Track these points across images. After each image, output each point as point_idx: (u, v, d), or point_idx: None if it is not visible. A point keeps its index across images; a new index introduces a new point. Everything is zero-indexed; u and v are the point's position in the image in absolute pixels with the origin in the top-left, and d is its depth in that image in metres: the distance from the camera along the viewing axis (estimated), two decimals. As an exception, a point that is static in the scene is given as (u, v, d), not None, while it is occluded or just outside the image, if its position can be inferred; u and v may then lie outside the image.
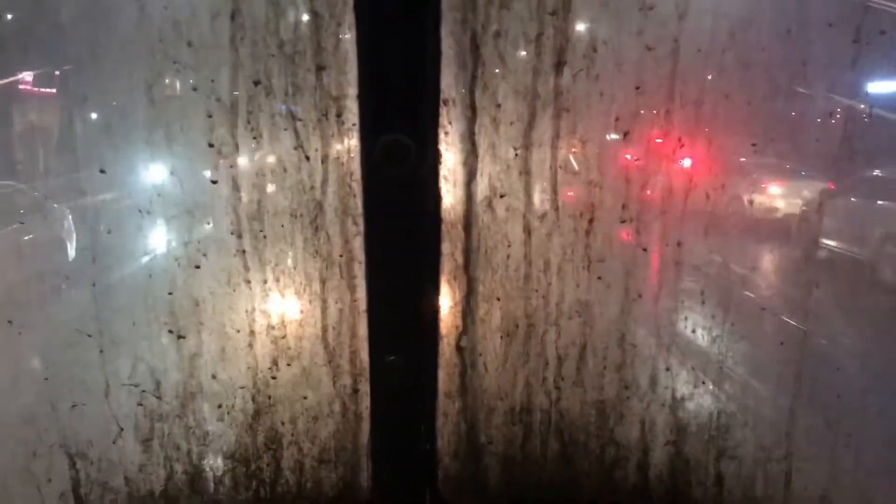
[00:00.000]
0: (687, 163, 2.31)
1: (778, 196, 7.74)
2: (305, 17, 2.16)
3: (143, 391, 2.48)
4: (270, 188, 2.31)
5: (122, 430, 2.53)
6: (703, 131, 2.29)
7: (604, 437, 2.59)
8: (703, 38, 2.20)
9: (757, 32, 2.20)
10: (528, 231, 2.37)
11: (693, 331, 2.54)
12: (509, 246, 2.39)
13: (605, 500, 2.64)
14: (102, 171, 2.25)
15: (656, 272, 2.42)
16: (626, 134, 2.25)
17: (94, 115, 2.19)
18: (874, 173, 8.01)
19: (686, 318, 2.50)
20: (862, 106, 2.43)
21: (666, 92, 2.22)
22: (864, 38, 2.21)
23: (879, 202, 7.99)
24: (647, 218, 2.36)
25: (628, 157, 2.27)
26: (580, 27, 2.18)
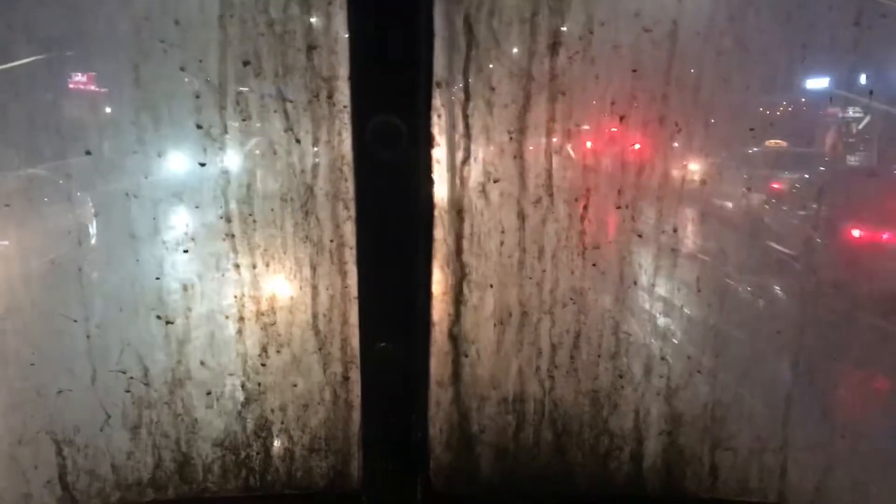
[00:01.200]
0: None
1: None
2: None
3: (131, 378, 2.45)
4: (260, 171, 2.27)
5: (109, 416, 2.49)
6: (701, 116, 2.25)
7: (598, 427, 2.55)
8: (702, 19, 2.16)
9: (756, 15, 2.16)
10: (522, 217, 2.32)
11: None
12: (503, 232, 2.35)
13: (599, 490, 2.61)
14: (88, 153, 2.21)
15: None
16: (622, 118, 2.21)
17: (78, 97, 2.14)
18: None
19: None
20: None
21: (663, 75, 2.18)
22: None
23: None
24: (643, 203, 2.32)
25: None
26: (576, 7, 2.14)
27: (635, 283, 2.40)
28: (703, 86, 2.20)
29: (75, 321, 2.39)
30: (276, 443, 2.58)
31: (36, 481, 2.53)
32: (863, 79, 2.34)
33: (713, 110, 2.26)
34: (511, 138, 2.26)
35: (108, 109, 2.17)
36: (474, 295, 2.41)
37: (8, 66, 2.11)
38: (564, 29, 2.15)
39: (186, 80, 2.16)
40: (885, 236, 6.12)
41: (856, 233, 5.06)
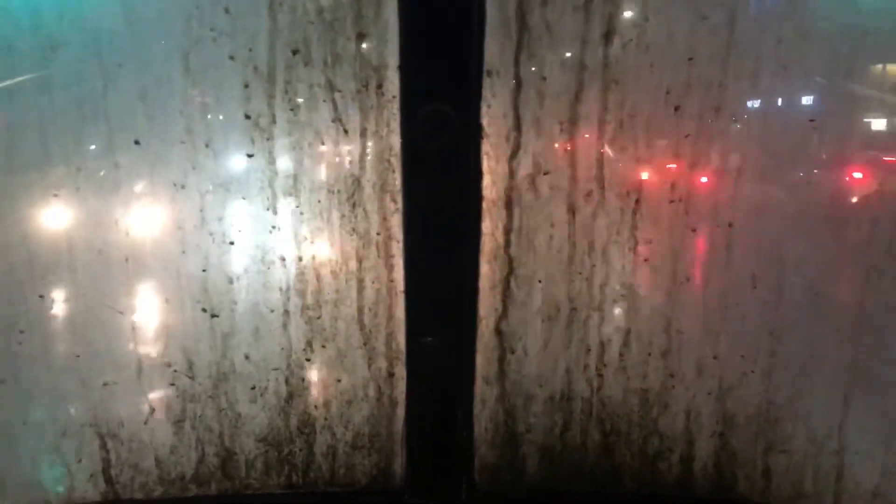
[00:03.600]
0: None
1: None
2: None
3: (175, 370, 2.44)
4: (307, 162, 2.24)
5: (153, 410, 2.49)
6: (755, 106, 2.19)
7: (647, 427, 2.49)
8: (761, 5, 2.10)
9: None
10: (572, 210, 2.28)
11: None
12: (552, 225, 2.30)
13: (648, 491, 2.55)
14: (137, 143, 2.20)
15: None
16: (677, 108, 2.15)
17: (128, 85, 2.13)
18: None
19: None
20: None
21: (720, 63, 2.12)
22: None
23: None
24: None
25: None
26: (632, -6, 2.09)
27: (688, 279, 2.33)
28: (762, 74, 2.14)
29: (121, 313, 2.38)
30: (320, 439, 2.56)
31: (80, 474, 2.53)
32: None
33: (771, 99, 2.20)
34: (562, 129, 2.21)
35: (156, 99, 2.16)
36: (522, 290, 2.37)
37: (57, 56, 2.11)
38: (619, 16, 2.10)
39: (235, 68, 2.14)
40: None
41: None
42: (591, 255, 2.33)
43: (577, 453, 2.54)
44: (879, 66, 2.18)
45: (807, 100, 2.20)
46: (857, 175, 2.25)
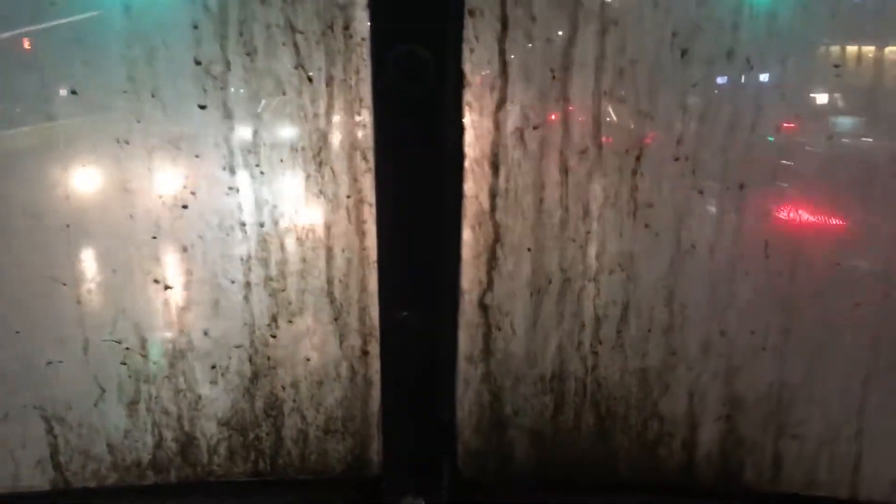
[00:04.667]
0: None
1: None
2: None
3: (127, 348, 2.24)
4: (266, 115, 2.03)
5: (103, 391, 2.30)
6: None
7: (646, 410, 2.31)
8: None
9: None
10: (565, 170, 2.07)
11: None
12: (543, 187, 2.12)
13: (646, 479, 2.38)
14: (74, 93, 1.97)
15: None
16: (683, 52, 1.93)
17: (61, 26, 1.91)
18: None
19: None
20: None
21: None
22: None
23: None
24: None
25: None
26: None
27: (693, 247, 2.13)
28: (780, 14, 1.91)
29: (64, 284, 2.17)
30: (288, 423, 2.40)
31: (25, 460, 2.36)
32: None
33: (791, 44, 1.97)
34: (554, 77, 2.01)
35: (94, 41, 1.93)
36: (509, 260, 2.20)
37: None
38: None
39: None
40: None
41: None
42: (585, 220, 2.13)
43: (570, 438, 2.40)
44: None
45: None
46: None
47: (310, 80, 2.01)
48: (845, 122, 2.04)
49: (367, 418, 2.37)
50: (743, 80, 1.97)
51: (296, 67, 1.99)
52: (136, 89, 1.99)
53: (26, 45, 1.95)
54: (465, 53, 1.91)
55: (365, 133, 2.04)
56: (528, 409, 2.37)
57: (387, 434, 2.28)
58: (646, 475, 2.41)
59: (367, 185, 2.09)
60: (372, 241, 2.13)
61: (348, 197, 2.12)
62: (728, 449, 2.35)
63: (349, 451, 2.42)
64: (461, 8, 1.87)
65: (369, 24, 1.86)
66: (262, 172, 2.09)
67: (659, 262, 2.17)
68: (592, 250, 2.17)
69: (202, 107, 2.02)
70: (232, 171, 2.09)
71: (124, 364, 2.29)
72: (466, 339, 2.24)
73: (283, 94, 2.01)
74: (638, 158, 2.07)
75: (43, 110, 1.99)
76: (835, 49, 2.01)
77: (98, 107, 2.01)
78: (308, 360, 2.32)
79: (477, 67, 1.97)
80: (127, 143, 2.03)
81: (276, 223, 2.15)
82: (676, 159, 2.06)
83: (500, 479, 2.44)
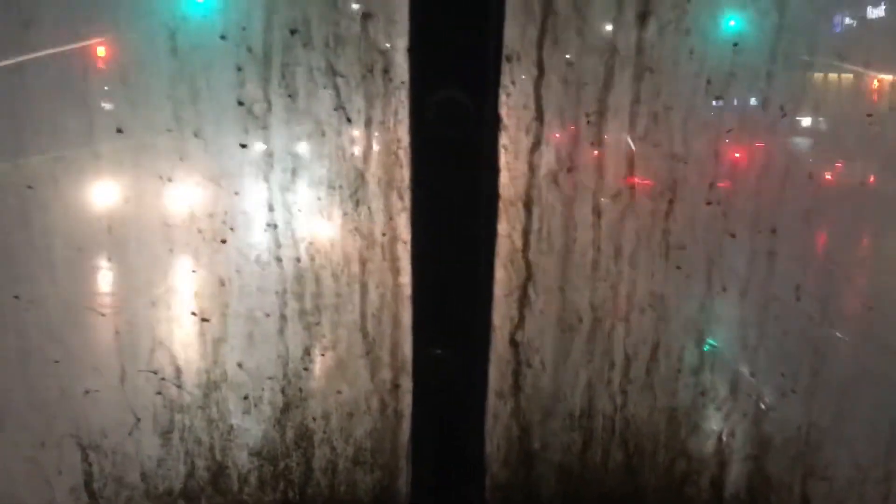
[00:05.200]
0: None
1: None
2: None
3: (163, 379, 2.28)
4: (306, 155, 2.07)
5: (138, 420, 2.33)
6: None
7: (674, 449, 2.32)
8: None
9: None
10: (597, 212, 2.09)
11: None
12: (575, 228, 2.14)
13: None
14: (120, 131, 2.03)
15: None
16: (718, 98, 1.95)
17: (108, 69, 1.96)
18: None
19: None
20: None
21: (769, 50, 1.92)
22: None
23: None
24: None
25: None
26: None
27: (724, 289, 2.14)
28: (815, 63, 1.93)
29: (103, 315, 2.22)
30: (318, 453, 2.41)
31: (60, 487, 2.39)
32: None
33: (823, 91, 2.00)
34: (589, 122, 2.03)
35: (141, 82, 1.99)
36: (540, 298, 2.21)
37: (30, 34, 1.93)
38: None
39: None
40: None
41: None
42: (617, 260, 2.14)
43: (598, 474, 2.39)
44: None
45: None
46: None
47: (349, 121, 2.04)
48: (877, 168, 2.06)
49: (397, 450, 2.37)
50: (776, 127, 1.99)
51: (336, 109, 2.03)
52: (180, 128, 2.04)
53: (76, 85, 2.01)
54: (502, 97, 1.94)
55: (401, 172, 2.07)
56: (556, 444, 2.37)
57: (416, 466, 2.29)
58: None
59: (403, 223, 2.11)
60: (406, 277, 2.15)
61: (384, 234, 2.15)
62: (756, 488, 2.35)
63: (378, 482, 2.42)
64: (499, 53, 1.90)
65: (409, 68, 1.90)
66: (299, 210, 2.13)
67: (689, 303, 2.19)
68: (623, 290, 2.19)
69: (243, 146, 2.06)
70: (270, 208, 2.13)
71: (159, 394, 2.32)
72: (497, 375, 2.24)
73: (323, 134, 2.05)
74: (671, 202, 2.09)
75: (89, 147, 2.04)
76: (868, 97, 2.03)
77: (143, 145, 2.06)
78: (339, 392, 2.34)
79: (513, 111, 2.00)
80: (170, 179, 2.08)
81: (312, 259, 2.19)
82: (709, 203, 2.08)
83: None
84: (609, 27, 1.94)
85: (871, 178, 1.88)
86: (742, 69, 1.94)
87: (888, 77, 1.90)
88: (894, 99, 1.91)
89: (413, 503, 2.31)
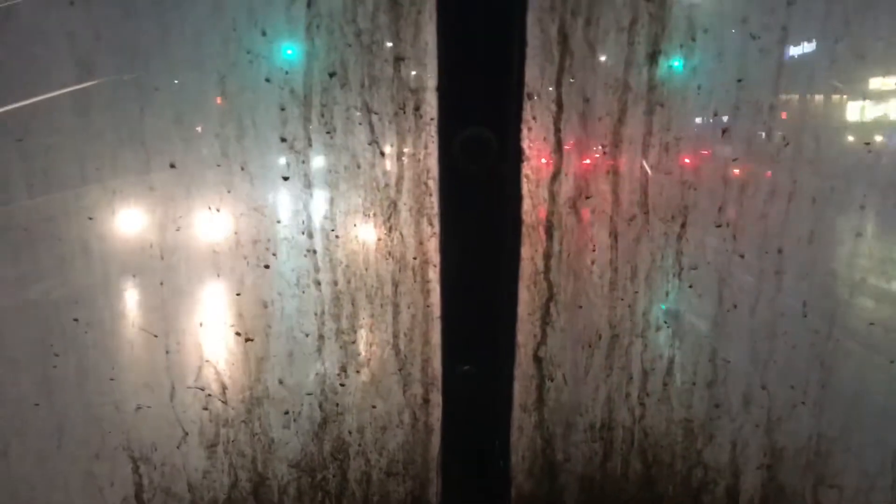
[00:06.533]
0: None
1: None
2: (384, 5, 2.06)
3: (209, 395, 2.41)
4: (343, 185, 2.21)
5: (186, 434, 2.46)
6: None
7: (691, 459, 2.42)
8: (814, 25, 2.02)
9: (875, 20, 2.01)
10: (614, 235, 2.21)
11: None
12: (594, 251, 2.25)
13: None
14: (172, 166, 2.18)
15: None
16: (724, 131, 2.08)
17: (164, 108, 2.12)
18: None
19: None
20: None
21: (771, 84, 2.05)
22: None
23: None
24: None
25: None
26: (677, 14, 2.03)
27: (735, 306, 2.26)
28: (815, 96, 2.06)
29: (155, 336, 2.36)
30: (353, 465, 2.51)
31: (112, 498, 2.50)
32: None
33: (825, 121, 2.12)
34: (605, 152, 2.15)
35: (193, 120, 2.14)
36: (562, 316, 2.31)
37: (97, 81, 2.10)
38: (664, 37, 2.03)
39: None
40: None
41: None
42: (633, 280, 2.26)
43: (618, 484, 2.47)
44: None
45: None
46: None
47: (382, 154, 2.18)
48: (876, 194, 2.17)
49: (427, 462, 2.46)
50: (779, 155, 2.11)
51: (370, 143, 2.16)
52: (227, 163, 2.19)
53: (132, 123, 2.16)
54: (524, 132, 2.07)
55: (430, 201, 2.19)
56: (578, 456, 2.45)
57: (445, 477, 2.38)
58: None
59: (433, 248, 2.23)
60: (435, 298, 2.26)
61: (415, 258, 2.26)
62: (769, 497, 2.43)
63: (409, 492, 2.50)
64: (521, 92, 2.03)
65: (438, 106, 2.04)
66: (336, 236, 2.26)
67: (702, 320, 2.30)
68: (640, 308, 2.30)
69: (285, 178, 2.20)
70: (310, 235, 2.26)
71: (206, 409, 2.44)
72: (521, 390, 2.34)
73: (358, 167, 2.19)
74: (683, 225, 2.21)
75: (145, 182, 2.20)
76: (867, 126, 2.14)
77: (194, 178, 2.21)
78: (374, 407, 2.44)
79: (534, 143, 2.12)
80: (218, 210, 2.22)
81: (348, 282, 2.30)
82: (718, 226, 2.19)
83: None
84: (622, 67, 2.07)
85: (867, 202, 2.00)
86: (746, 103, 2.07)
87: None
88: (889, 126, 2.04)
89: (443, 512, 2.42)
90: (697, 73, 2.04)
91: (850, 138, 2.11)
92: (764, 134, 2.09)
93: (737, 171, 2.12)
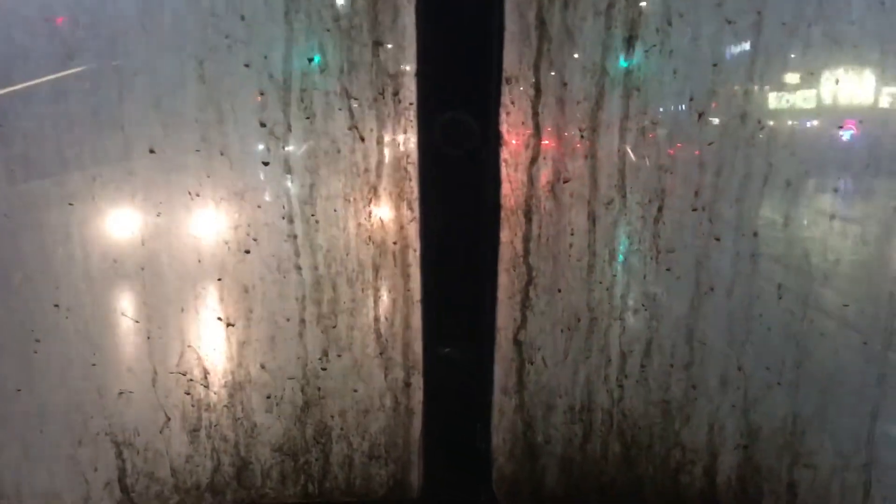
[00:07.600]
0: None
1: None
2: None
3: (191, 380, 2.42)
4: (323, 171, 2.22)
5: (169, 419, 2.47)
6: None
7: (669, 440, 2.45)
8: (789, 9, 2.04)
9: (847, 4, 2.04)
10: (592, 219, 2.24)
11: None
12: (572, 234, 2.27)
13: None
14: (152, 151, 2.18)
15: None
16: (700, 115, 2.11)
17: (143, 93, 2.12)
18: None
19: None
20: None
21: (746, 69, 2.07)
22: None
23: None
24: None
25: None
26: (654, -1, 2.05)
27: (711, 288, 2.29)
28: (789, 80, 2.08)
29: (137, 322, 2.36)
30: (336, 449, 2.53)
31: (95, 483, 2.51)
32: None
33: (799, 106, 2.15)
34: (583, 136, 2.17)
35: (172, 106, 2.14)
36: (541, 300, 2.34)
37: (74, 65, 2.09)
38: (641, 21, 2.05)
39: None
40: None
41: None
42: (611, 263, 2.29)
43: (598, 465, 2.50)
44: None
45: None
46: None
47: (362, 139, 2.19)
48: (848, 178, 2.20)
49: (409, 445, 2.48)
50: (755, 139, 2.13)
51: (350, 129, 2.17)
52: (207, 148, 2.19)
53: (111, 108, 2.16)
54: (503, 116, 2.09)
55: (410, 185, 2.21)
56: (558, 437, 2.47)
57: (426, 460, 2.41)
58: (670, 500, 2.52)
59: (412, 232, 2.24)
60: (416, 283, 2.28)
61: (395, 243, 2.28)
62: (746, 476, 2.47)
63: (391, 475, 2.53)
64: (500, 76, 2.05)
65: (417, 91, 2.06)
66: (317, 221, 2.27)
67: (679, 302, 2.32)
68: (618, 291, 2.32)
69: (265, 163, 2.21)
70: (290, 220, 2.27)
71: (188, 394, 2.45)
72: (501, 373, 2.37)
73: (338, 152, 2.20)
74: (659, 209, 2.23)
75: (125, 167, 2.19)
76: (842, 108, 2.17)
77: (173, 164, 2.21)
78: (355, 390, 2.45)
79: (513, 128, 2.14)
80: (198, 195, 2.22)
81: (328, 266, 2.32)
82: (694, 209, 2.22)
83: None
84: (600, 51, 2.09)
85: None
86: (722, 87, 2.09)
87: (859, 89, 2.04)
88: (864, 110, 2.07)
89: (424, 495, 2.44)
90: (674, 57, 2.06)
91: (822, 122, 2.13)
92: (739, 118, 2.11)
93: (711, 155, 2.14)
